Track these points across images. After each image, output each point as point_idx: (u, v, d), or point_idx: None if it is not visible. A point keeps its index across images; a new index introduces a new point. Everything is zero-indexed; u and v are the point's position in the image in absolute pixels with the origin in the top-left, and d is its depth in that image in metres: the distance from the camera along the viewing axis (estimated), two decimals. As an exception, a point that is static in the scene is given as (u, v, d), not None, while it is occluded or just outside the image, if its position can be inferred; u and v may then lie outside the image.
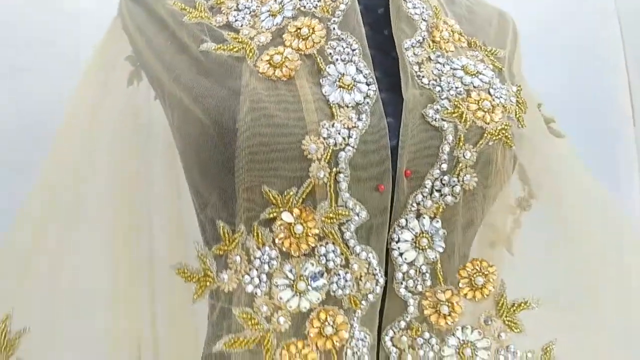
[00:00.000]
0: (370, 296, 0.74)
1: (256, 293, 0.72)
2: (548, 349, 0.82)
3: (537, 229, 0.95)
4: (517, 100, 0.82)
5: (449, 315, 0.76)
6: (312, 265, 0.72)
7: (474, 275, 0.76)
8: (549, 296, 0.86)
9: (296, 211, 0.70)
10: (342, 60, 0.75)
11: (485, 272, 0.76)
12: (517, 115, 0.80)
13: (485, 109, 0.76)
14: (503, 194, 0.85)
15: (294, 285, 0.71)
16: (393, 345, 0.77)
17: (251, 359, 0.74)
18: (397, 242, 0.74)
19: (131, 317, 0.94)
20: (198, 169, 0.74)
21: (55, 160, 0.89)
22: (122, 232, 0.93)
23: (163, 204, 0.98)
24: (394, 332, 0.77)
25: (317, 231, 0.71)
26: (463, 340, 0.78)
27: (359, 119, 0.72)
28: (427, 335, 0.77)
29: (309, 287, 0.72)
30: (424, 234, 0.74)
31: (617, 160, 1.51)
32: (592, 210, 0.97)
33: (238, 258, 0.71)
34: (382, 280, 0.74)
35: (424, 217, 0.74)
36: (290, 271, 0.71)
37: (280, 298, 0.72)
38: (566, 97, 1.04)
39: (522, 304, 0.79)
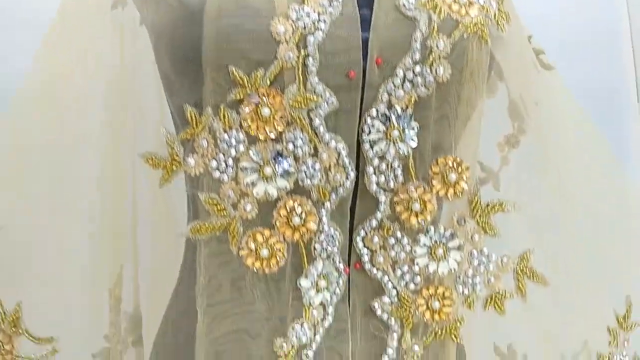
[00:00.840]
0: (341, 190, 0.72)
1: (223, 179, 0.70)
2: (525, 256, 0.80)
3: (525, 167, 0.94)
4: (498, 7, 0.80)
5: (421, 213, 0.74)
6: (279, 150, 0.70)
7: (447, 171, 0.74)
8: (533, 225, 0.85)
9: (263, 92, 0.69)
10: None
11: (459, 170, 0.75)
12: (496, 19, 0.79)
13: (462, 3, 0.75)
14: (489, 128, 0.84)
15: (261, 170, 0.70)
16: (365, 246, 0.76)
17: (218, 248, 0.72)
18: (368, 134, 0.73)
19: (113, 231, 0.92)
20: (169, 56, 0.74)
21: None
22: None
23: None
24: (365, 232, 0.75)
25: (284, 115, 0.70)
26: (435, 240, 0.76)
27: (330, 5, 0.71)
28: (398, 234, 0.76)
29: (276, 173, 0.70)
30: (396, 126, 0.72)
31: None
32: (581, 144, 0.96)
33: (205, 142, 0.70)
34: (352, 175, 0.73)
35: (395, 108, 0.73)
36: (257, 154, 0.70)
37: (247, 184, 0.70)
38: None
39: (497, 206, 0.77)
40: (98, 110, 0.85)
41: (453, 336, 0.78)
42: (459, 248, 0.76)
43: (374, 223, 0.75)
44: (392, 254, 0.76)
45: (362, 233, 0.75)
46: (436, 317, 0.77)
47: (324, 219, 0.73)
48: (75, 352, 0.96)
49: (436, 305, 0.76)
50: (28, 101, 0.86)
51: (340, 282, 0.75)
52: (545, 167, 0.91)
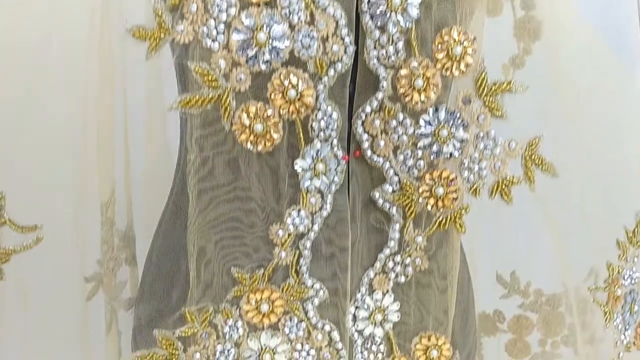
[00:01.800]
0: (339, 65, 0.68)
1: (213, 48, 0.66)
2: (534, 142, 0.76)
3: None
4: None
5: (424, 90, 0.70)
6: (274, 16, 0.66)
7: (451, 44, 0.70)
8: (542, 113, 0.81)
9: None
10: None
11: (464, 43, 0.70)
12: None
13: None
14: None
15: (254, 37, 0.66)
16: (365, 131, 0.72)
17: (210, 126, 0.68)
18: (367, 4, 0.68)
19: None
20: None
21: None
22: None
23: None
24: (366, 115, 0.71)
25: None
26: (439, 121, 0.72)
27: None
28: (400, 116, 0.71)
29: (270, 41, 0.66)
30: None
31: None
32: (590, 59, 0.92)
33: (194, 6, 0.66)
34: (351, 48, 0.68)
35: None
36: (248, 18, 0.66)
37: (239, 52, 0.66)
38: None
39: (505, 85, 0.73)
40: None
41: (458, 225, 0.74)
42: (465, 129, 0.71)
43: (375, 104, 0.71)
44: (394, 137, 0.72)
45: (362, 116, 0.71)
46: (440, 204, 0.73)
47: (321, 96, 0.68)
48: (67, 276, 0.94)
49: (440, 191, 0.72)
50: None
51: (339, 170, 0.72)
52: (552, 87, 0.87)
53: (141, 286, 0.83)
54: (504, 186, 0.75)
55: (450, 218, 0.74)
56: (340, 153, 0.71)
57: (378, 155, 0.72)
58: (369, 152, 0.72)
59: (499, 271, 1.12)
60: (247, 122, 0.67)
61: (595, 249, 0.95)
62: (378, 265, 0.75)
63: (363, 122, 0.71)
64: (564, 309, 1.09)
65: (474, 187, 0.74)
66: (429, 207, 0.73)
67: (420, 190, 0.72)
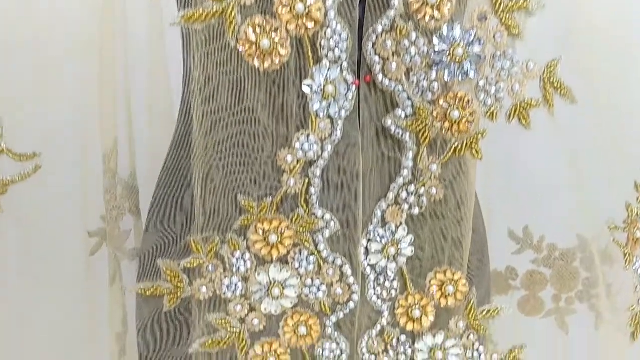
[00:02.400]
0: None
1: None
2: (553, 64, 0.74)
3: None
4: None
5: (437, 6, 0.67)
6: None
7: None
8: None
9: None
10: None
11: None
12: None
13: None
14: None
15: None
16: (376, 53, 0.69)
17: (214, 43, 0.66)
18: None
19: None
20: None
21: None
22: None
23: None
24: (377, 36, 0.69)
25: None
26: (454, 39, 0.69)
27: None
28: (413, 35, 0.69)
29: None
30: None
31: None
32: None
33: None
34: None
35: None
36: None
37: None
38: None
39: (522, 2, 0.70)
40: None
41: (474, 151, 0.71)
42: (481, 46, 0.68)
43: (386, 23, 0.68)
44: (407, 59, 0.68)
45: (373, 38, 0.68)
46: (455, 128, 0.69)
47: (331, 12, 0.65)
48: (72, 231, 0.93)
49: (455, 114, 0.69)
50: None
51: (350, 96, 0.68)
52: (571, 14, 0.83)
53: (147, 222, 0.80)
54: (522, 109, 0.72)
55: (466, 144, 0.71)
56: (350, 78, 0.68)
57: (390, 79, 0.69)
58: (380, 76, 0.69)
59: (511, 227, 1.09)
60: (253, 38, 0.64)
61: (613, 193, 0.92)
62: (391, 196, 0.72)
63: (374, 44, 0.68)
64: (578, 263, 1.06)
65: (491, 111, 0.71)
66: (443, 132, 0.69)
67: (435, 114, 0.69)
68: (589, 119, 0.82)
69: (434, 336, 0.76)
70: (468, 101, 0.69)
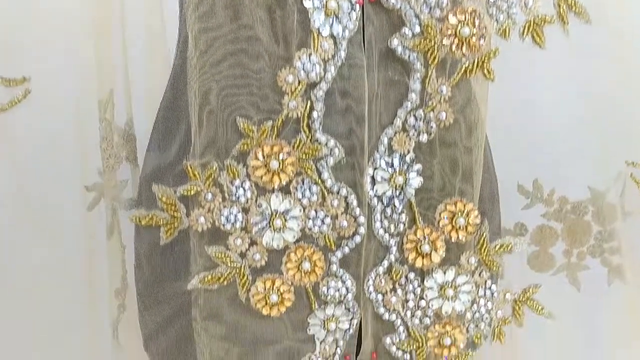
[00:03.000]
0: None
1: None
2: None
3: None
4: None
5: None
6: None
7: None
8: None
9: None
10: None
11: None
12: None
13: None
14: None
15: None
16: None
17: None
18: None
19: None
20: None
21: None
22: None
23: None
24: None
25: None
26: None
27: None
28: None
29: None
30: None
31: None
32: None
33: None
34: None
35: None
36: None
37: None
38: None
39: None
40: None
41: (486, 71, 0.67)
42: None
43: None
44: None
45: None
46: (465, 47, 0.66)
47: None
48: (68, 185, 0.90)
49: (465, 31, 0.66)
50: None
51: (353, 16, 0.65)
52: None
53: (148, 145, 0.77)
54: (535, 26, 0.68)
55: (477, 63, 0.67)
56: None
57: None
58: None
59: (520, 181, 1.06)
60: None
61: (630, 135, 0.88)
62: (398, 122, 0.68)
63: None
64: (590, 216, 1.02)
65: (503, 28, 0.67)
66: (453, 51, 0.66)
67: (444, 30, 0.65)
68: (604, 46, 0.78)
69: (444, 273, 0.73)
70: (479, 16, 0.65)
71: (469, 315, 0.76)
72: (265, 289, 0.69)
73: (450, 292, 0.73)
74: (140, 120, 0.92)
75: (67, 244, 0.91)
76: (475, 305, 0.77)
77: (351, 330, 0.73)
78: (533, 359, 1.00)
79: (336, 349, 0.73)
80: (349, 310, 0.72)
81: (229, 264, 0.68)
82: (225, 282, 0.69)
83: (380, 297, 0.73)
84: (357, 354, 0.76)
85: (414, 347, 0.75)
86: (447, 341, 0.75)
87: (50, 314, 0.94)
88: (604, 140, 0.92)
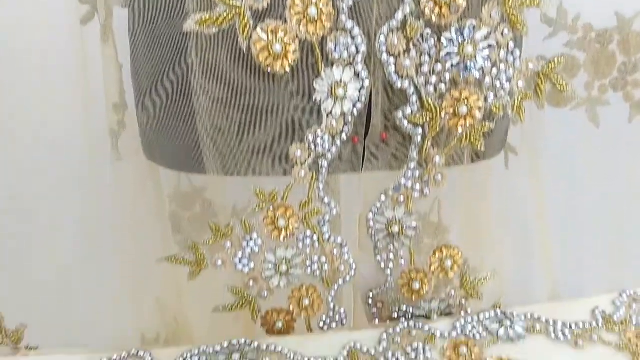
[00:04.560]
0: None
1: None
2: None
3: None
4: None
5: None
6: None
7: None
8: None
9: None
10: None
11: None
12: None
13: None
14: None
15: None
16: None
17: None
18: None
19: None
20: None
21: None
22: None
23: None
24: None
25: None
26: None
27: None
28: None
29: None
30: None
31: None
32: None
33: None
34: None
35: None
36: None
37: None
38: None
39: None
40: None
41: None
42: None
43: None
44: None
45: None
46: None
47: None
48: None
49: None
50: None
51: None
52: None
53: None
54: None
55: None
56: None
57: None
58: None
59: (543, 9, 0.98)
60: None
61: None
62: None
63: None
64: (615, 46, 0.97)
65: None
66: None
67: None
68: None
69: (464, 27, 0.68)
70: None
71: (487, 80, 0.70)
72: (267, 37, 0.63)
73: (469, 49, 0.67)
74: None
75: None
76: (495, 69, 0.70)
77: (360, 104, 0.68)
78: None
79: (344, 126, 0.69)
80: (357, 76, 0.67)
81: (228, 2, 0.63)
82: (224, 24, 0.64)
83: (392, 59, 0.67)
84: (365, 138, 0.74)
85: (427, 118, 0.70)
86: (464, 110, 0.69)
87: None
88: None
